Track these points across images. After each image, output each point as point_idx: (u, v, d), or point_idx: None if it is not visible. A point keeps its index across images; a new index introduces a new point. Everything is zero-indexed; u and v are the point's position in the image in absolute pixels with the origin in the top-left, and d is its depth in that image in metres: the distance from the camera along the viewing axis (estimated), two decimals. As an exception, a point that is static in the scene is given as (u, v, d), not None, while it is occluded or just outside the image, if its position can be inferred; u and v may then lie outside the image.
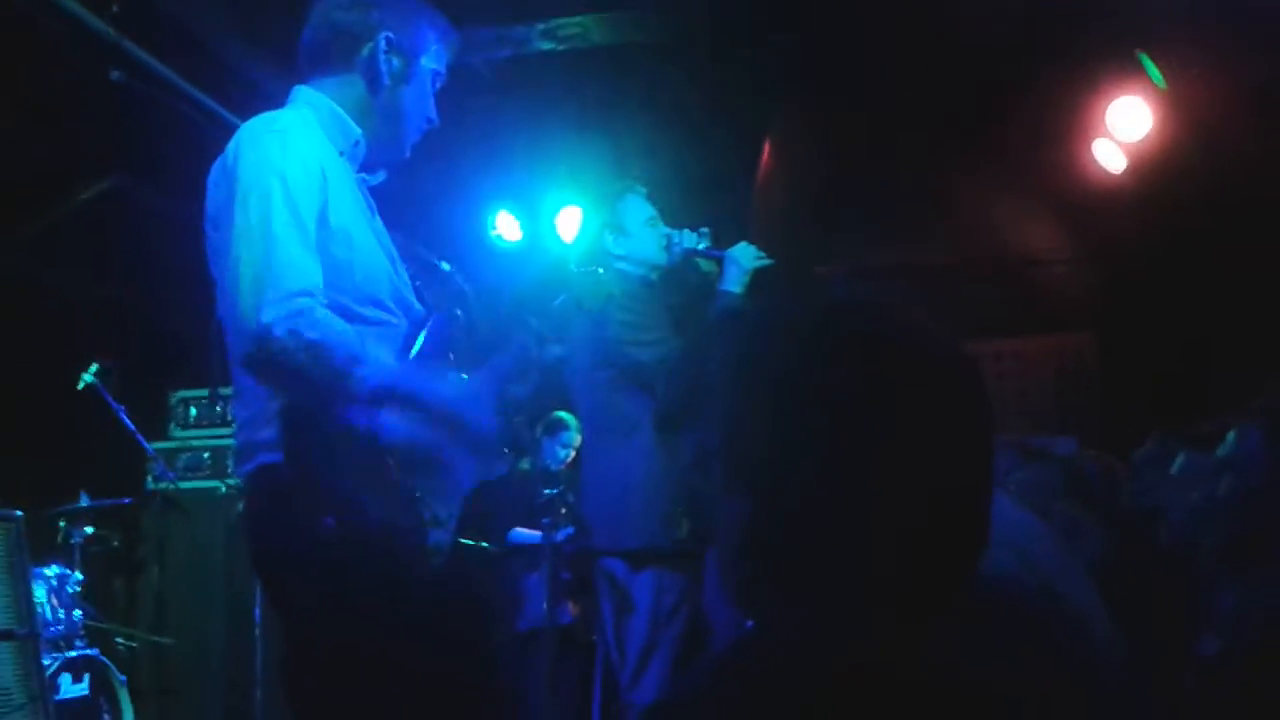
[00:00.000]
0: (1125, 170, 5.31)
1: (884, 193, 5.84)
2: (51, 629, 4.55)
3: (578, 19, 4.61)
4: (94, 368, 5.23)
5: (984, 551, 1.01)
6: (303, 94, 2.38)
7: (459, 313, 2.48)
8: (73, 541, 4.96)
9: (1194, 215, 5.30)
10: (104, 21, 4.10)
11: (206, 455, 6.09)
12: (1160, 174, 5.20)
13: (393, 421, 2.16)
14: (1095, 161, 5.36)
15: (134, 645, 5.48)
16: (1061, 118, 5.26)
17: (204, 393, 6.11)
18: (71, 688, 4.48)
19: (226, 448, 6.03)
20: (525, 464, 5.76)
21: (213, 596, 5.74)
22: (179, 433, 6.20)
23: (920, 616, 0.95)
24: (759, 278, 3.50)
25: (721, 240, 3.63)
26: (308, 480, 2.11)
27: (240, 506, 5.59)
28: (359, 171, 2.38)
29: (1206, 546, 2.70)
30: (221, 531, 5.79)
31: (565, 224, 5.64)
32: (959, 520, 0.99)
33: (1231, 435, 2.74)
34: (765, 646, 0.99)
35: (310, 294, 2.06)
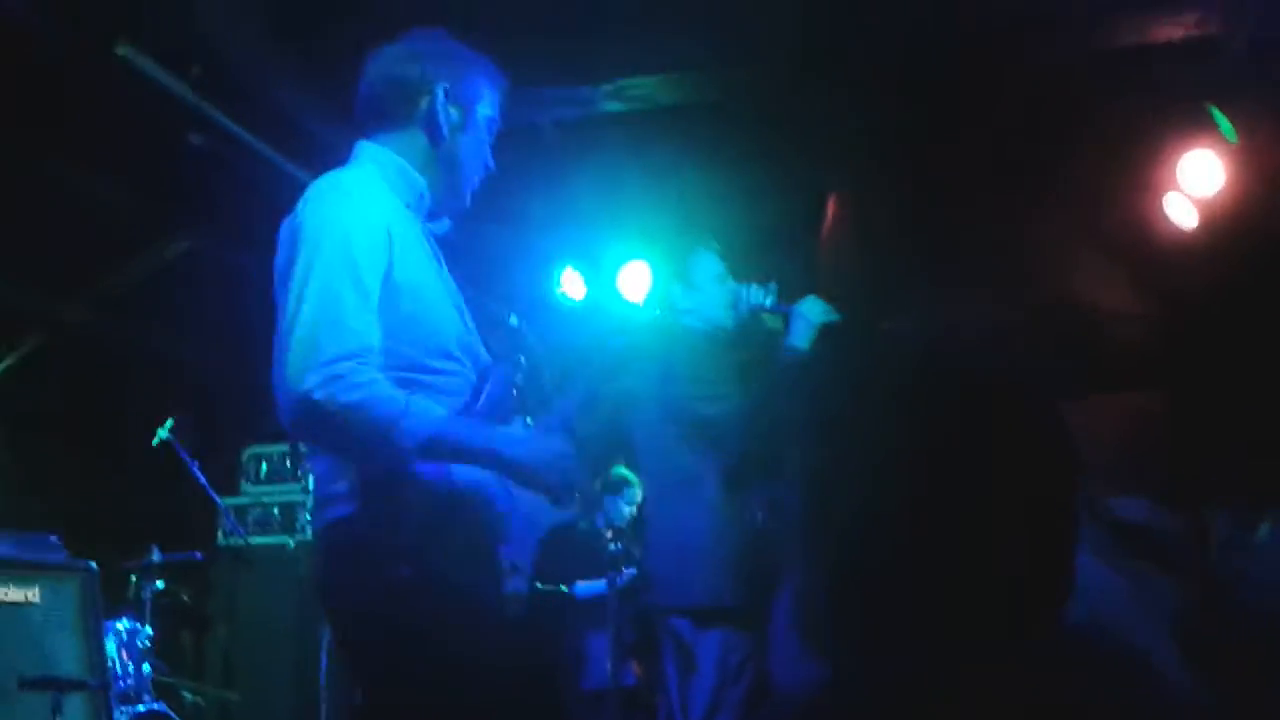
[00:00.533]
0: (1197, 225, 5.23)
1: (951, 247, 5.81)
2: (121, 682, 4.59)
3: (643, 80, 4.67)
4: (169, 423, 5.32)
5: (1069, 601, 0.99)
6: (366, 150, 2.42)
7: (524, 360, 2.50)
8: (143, 595, 5.02)
9: (1267, 271, 5.20)
10: (184, 85, 4.24)
11: (276, 511, 6.16)
12: (1233, 229, 5.12)
13: (463, 470, 2.18)
14: (1166, 216, 5.29)
15: (201, 700, 5.51)
16: (1131, 172, 5.22)
17: (276, 449, 6.20)
18: (140, 741, 4.52)
19: (296, 503, 6.11)
20: (586, 523, 5.76)
21: (279, 652, 5.77)
22: (250, 488, 6.28)
23: (1004, 665, 0.94)
24: (826, 333, 3.48)
25: (788, 295, 3.62)
26: (381, 531, 2.13)
27: (308, 562, 5.67)
28: (425, 221, 2.43)
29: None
30: (290, 587, 5.83)
31: (629, 281, 5.67)
32: (1046, 571, 0.98)
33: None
34: (848, 695, 0.98)
35: (354, 356, 2.09)
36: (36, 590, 3.91)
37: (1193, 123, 4.95)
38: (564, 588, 5.13)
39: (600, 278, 5.83)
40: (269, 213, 2.44)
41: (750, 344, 3.66)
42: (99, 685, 4.01)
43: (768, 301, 3.60)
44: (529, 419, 2.45)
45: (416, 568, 2.12)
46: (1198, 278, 5.56)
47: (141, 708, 4.59)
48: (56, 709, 3.66)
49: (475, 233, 2.61)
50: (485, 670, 2.17)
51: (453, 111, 2.42)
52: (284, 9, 4.29)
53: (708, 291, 3.64)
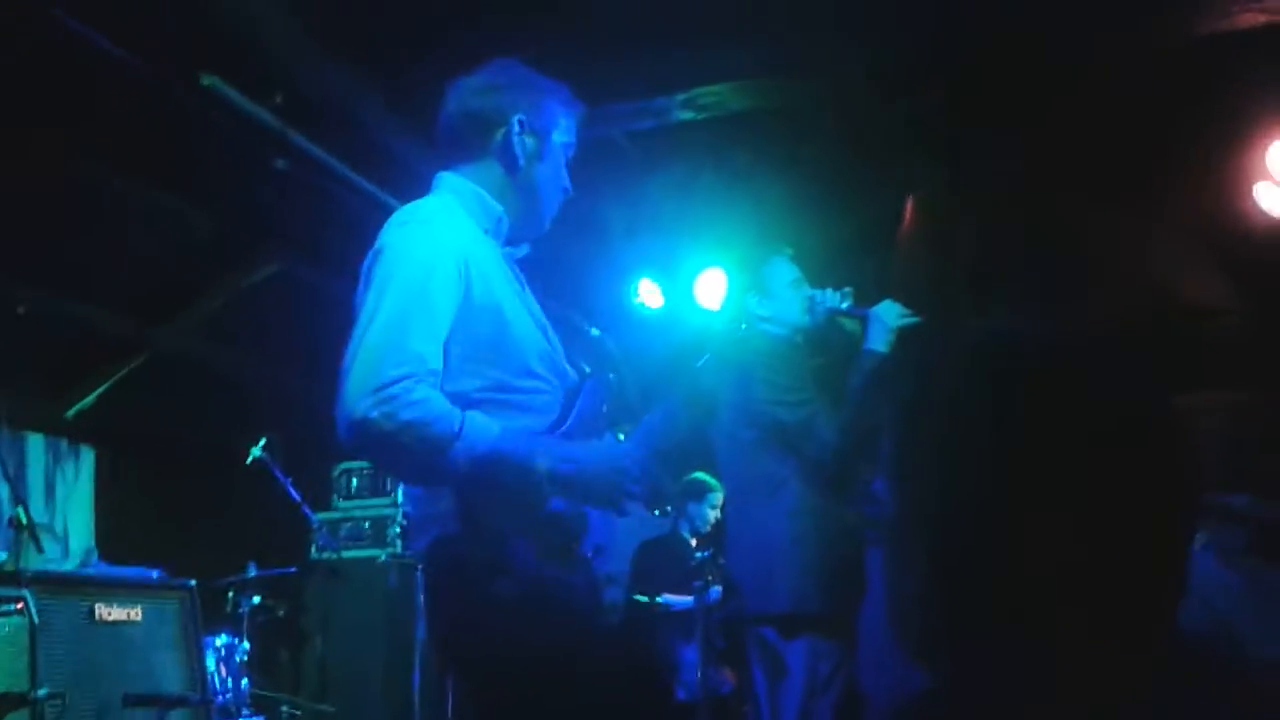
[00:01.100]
0: (1290, 214, 5.08)
1: (1034, 247, 5.71)
2: (220, 697, 4.70)
3: (716, 88, 4.67)
4: (262, 442, 5.44)
5: (1181, 603, 0.97)
6: (445, 180, 2.48)
7: (611, 376, 2.53)
8: (241, 611, 5.13)
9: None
10: (269, 112, 4.34)
11: (367, 525, 6.26)
12: (1329, 216, 4.97)
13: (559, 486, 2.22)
14: (1257, 206, 5.16)
15: (298, 713, 5.61)
16: (1219, 162, 5.09)
17: (365, 465, 6.31)
18: (240, 754, 4.63)
19: (387, 517, 6.21)
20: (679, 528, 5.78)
21: (373, 664, 5.86)
22: (341, 503, 6.40)
23: (1110, 668, 0.92)
24: (904, 336, 3.45)
25: (864, 301, 3.60)
26: (483, 546, 2.16)
27: (390, 578, 5.76)
28: (503, 246, 2.47)
29: None
30: (381, 599, 5.92)
31: (706, 289, 5.68)
32: (1158, 573, 0.96)
33: None
34: (948, 700, 0.97)
35: (411, 376, 2.11)
36: (139, 609, 4.03)
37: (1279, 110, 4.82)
38: (658, 598, 5.15)
39: (677, 287, 5.85)
40: (352, 234, 2.50)
41: (827, 348, 3.64)
42: (201, 701, 4.12)
43: (844, 305, 3.59)
44: (620, 434, 2.48)
45: (516, 580, 2.15)
46: (1292, 268, 5.41)
47: (241, 721, 4.70)
48: (160, 724, 3.76)
49: (553, 246, 2.64)
50: (590, 679, 2.21)
51: (528, 141, 2.46)
52: (368, 37, 4.37)
53: (784, 298, 3.64)
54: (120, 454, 6.22)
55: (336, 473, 6.45)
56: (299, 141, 4.46)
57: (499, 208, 2.45)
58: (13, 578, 3.69)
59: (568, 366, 2.44)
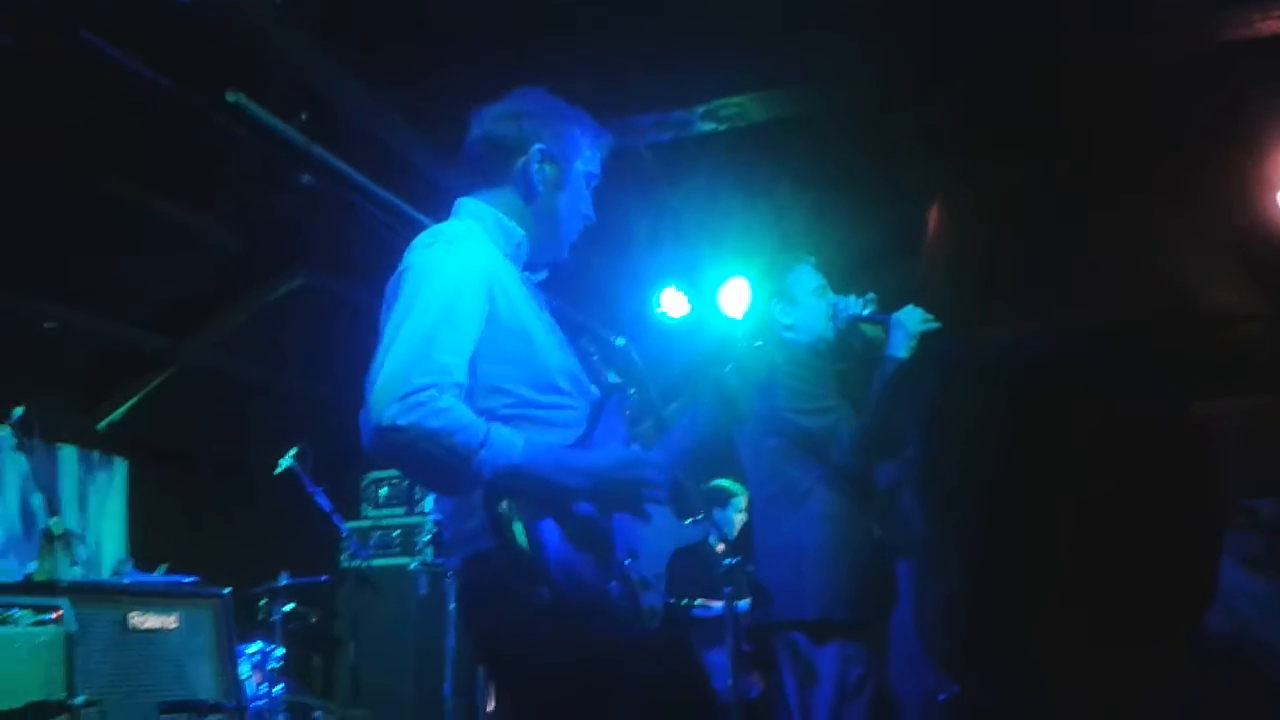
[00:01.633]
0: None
1: (1058, 250, 5.71)
2: (255, 703, 4.74)
3: (736, 99, 4.70)
4: (292, 451, 5.48)
5: (1208, 611, 0.97)
6: (466, 205, 2.53)
7: (633, 391, 2.57)
8: (273, 619, 5.18)
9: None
10: (294, 128, 4.39)
11: (396, 533, 6.32)
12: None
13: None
14: (1280, 211, 5.15)
15: (331, 718, 5.66)
16: (1242, 167, 5.08)
17: (394, 474, 6.36)
18: (274, 760, 4.68)
19: (416, 525, 6.25)
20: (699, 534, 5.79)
21: (404, 669, 5.91)
22: (371, 512, 6.46)
23: (1133, 680, 0.92)
24: (926, 341, 3.47)
25: (888, 308, 3.62)
26: (519, 557, 2.19)
27: (421, 585, 5.78)
28: (523, 270, 2.51)
29: None
30: (412, 607, 5.96)
31: (729, 298, 5.70)
32: (1185, 577, 0.95)
33: None
34: (976, 709, 0.97)
35: (436, 385, 2.15)
36: (175, 617, 4.08)
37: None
38: (694, 601, 5.16)
39: (701, 296, 5.87)
40: (376, 247, 2.55)
41: (850, 355, 3.66)
42: (235, 707, 4.17)
43: (866, 311, 3.60)
44: (644, 444, 2.52)
45: (554, 588, 2.18)
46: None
47: (275, 727, 4.75)
48: (197, 731, 3.81)
49: (578, 256, 2.68)
50: (632, 685, 2.24)
51: (548, 169, 2.50)
52: (391, 54, 4.42)
53: (807, 305, 3.65)
54: (151, 465, 6.29)
55: (365, 482, 6.51)
56: (323, 157, 4.51)
57: (520, 232, 2.49)
58: (49, 587, 3.75)
59: (590, 385, 2.49)
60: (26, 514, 5.48)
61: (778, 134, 4.96)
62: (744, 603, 4.29)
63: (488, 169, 2.52)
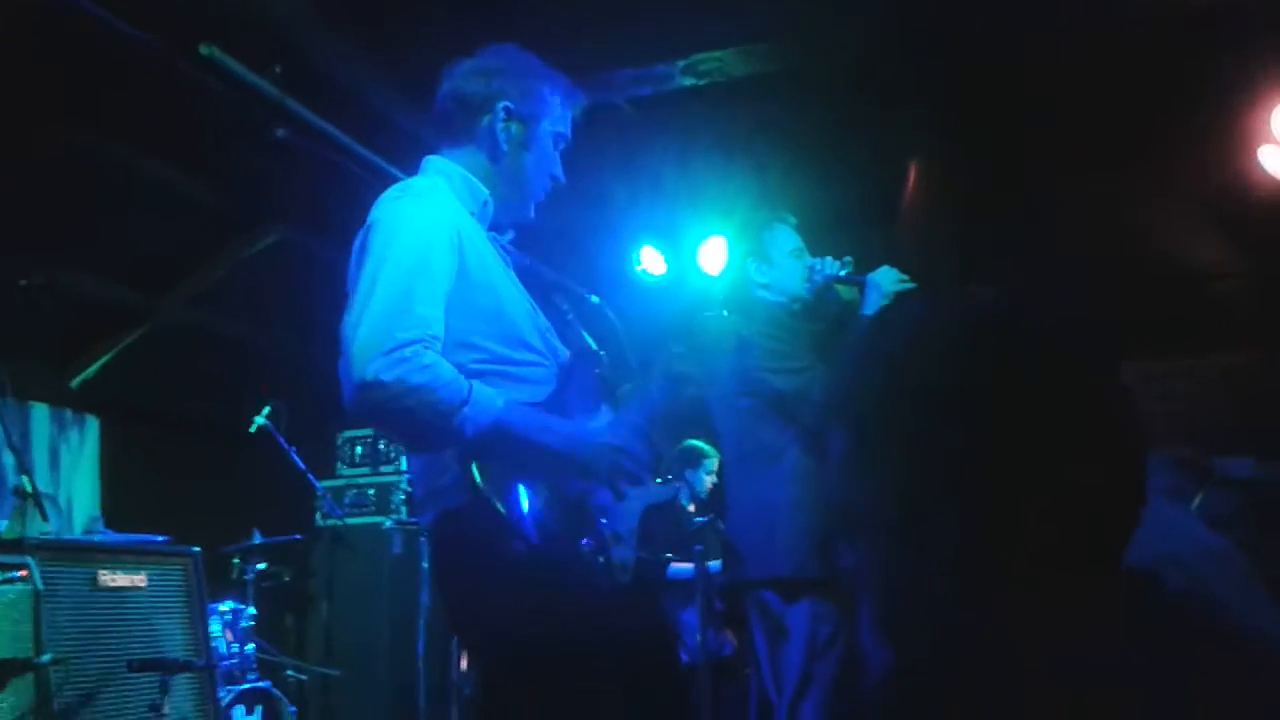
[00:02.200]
0: (1293, 177, 5.06)
1: (1037, 211, 5.70)
2: (226, 662, 4.74)
3: (717, 54, 4.65)
4: (266, 410, 5.46)
5: (1121, 558, 0.98)
6: (433, 163, 2.50)
7: (603, 354, 2.55)
8: (246, 577, 5.17)
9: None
10: (268, 81, 4.32)
11: (371, 492, 6.31)
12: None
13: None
14: (1261, 169, 5.14)
15: (304, 677, 5.67)
16: (1221, 125, 5.06)
17: (369, 432, 6.34)
18: (245, 719, 4.67)
19: (390, 484, 6.25)
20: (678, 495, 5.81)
21: (378, 629, 5.92)
22: (345, 471, 6.44)
23: (1069, 632, 0.93)
24: (899, 300, 3.45)
25: (867, 268, 3.60)
26: (493, 513, 2.17)
27: (395, 543, 5.78)
28: (489, 230, 2.48)
29: None
30: (386, 566, 5.97)
31: (708, 256, 5.67)
32: (1106, 529, 0.97)
33: None
34: (911, 674, 0.97)
35: (419, 341, 2.13)
36: (143, 575, 4.06)
37: (1283, 72, 4.79)
38: (668, 556, 5.18)
39: (680, 254, 5.85)
40: (353, 202, 2.51)
41: (825, 316, 3.64)
42: (205, 665, 4.16)
43: (842, 273, 3.59)
44: (615, 403, 2.50)
45: (528, 542, 2.17)
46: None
47: (246, 685, 4.74)
48: (164, 689, 3.79)
49: (555, 214, 2.64)
50: (605, 634, 2.23)
51: (514, 128, 2.47)
52: (366, 5, 4.35)
53: (784, 266, 3.63)
54: (124, 423, 6.24)
55: (340, 441, 6.49)
56: (299, 110, 4.45)
57: (485, 192, 2.47)
58: (16, 545, 3.71)
59: (561, 346, 2.47)
60: (-2, 471, 5.44)
61: (758, 90, 4.91)
62: (716, 563, 4.30)
63: (455, 126, 2.50)
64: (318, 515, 6.22)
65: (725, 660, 5.31)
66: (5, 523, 3.98)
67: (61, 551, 3.86)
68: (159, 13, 3.92)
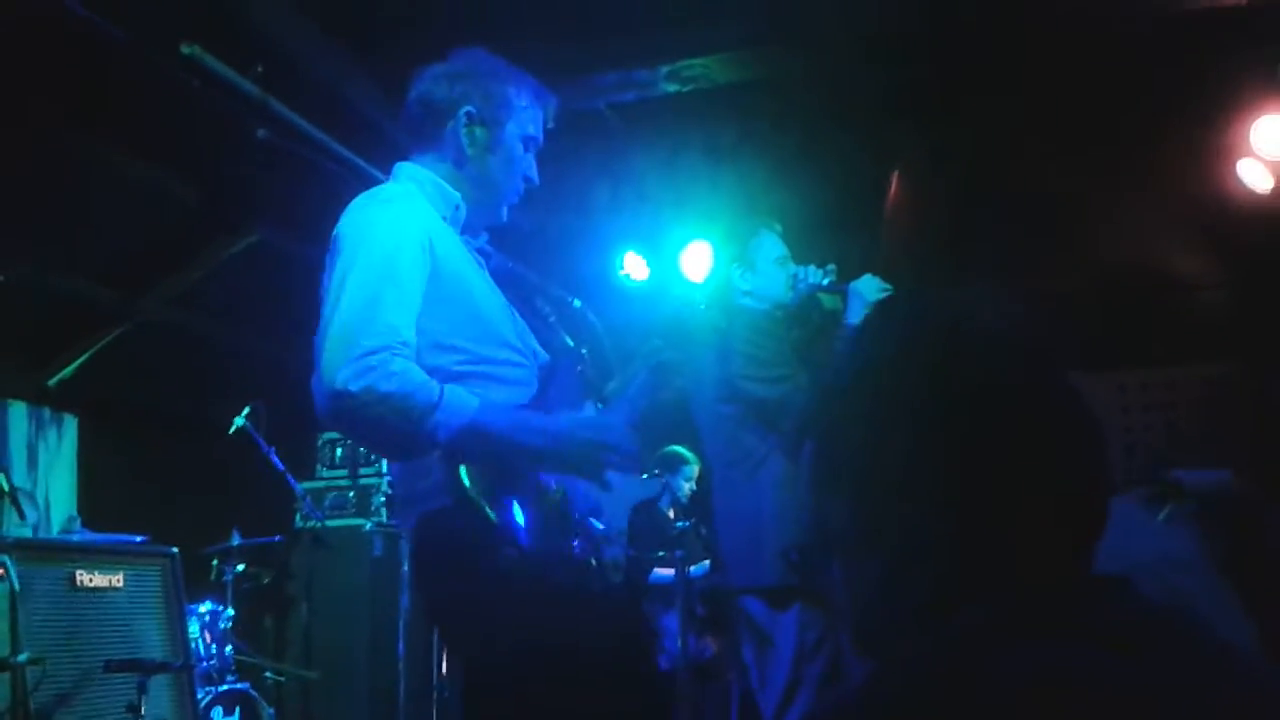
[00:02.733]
0: (1272, 189, 5.11)
1: (1020, 219, 5.73)
2: (204, 663, 4.73)
3: (701, 60, 4.66)
4: (245, 411, 5.44)
5: (1089, 565, 0.99)
6: (403, 169, 2.51)
7: (585, 352, 2.55)
8: (225, 579, 5.16)
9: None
10: (250, 81, 4.31)
11: (351, 494, 6.28)
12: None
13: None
14: (1241, 182, 5.18)
15: (282, 679, 5.64)
16: (1203, 137, 5.10)
17: (348, 435, 6.31)
18: (223, 720, 4.66)
19: (371, 487, 6.23)
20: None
21: (357, 631, 5.89)
22: (325, 473, 6.41)
23: (1039, 637, 0.93)
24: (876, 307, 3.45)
25: (850, 275, 3.61)
26: (480, 517, 2.16)
27: (375, 546, 5.76)
28: (461, 234, 2.48)
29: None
30: (366, 568, 5.95)
31: (691, 262, 5.68)
32: (1073, 531, 0.97)
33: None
34: (884, 684, 0.97)
35: (388, 348, 2.13)
36: (121, 576, 4.04)
37: (1265, 86, 4.83)
38: (656, 553, 5.18)
39: (663, 259, 5.85)
40: (334, 204, 2.50)
41: (808, 324, 3.65)
42: (182, 666, 4.14)
43: (825, 281, 3.59)
44: (598, 404, 2.50)
45: (517, 548, 2.16)
46: (1274, 242, 5.43)
47: (225, 687, 4.72)
48: (142, 690, 3.78)
49: (537, 218, 2.65)
50: (592, 640, 2.23)
51: (478, 132, 2.47)
52: (349, 6, 4.35)
53: (768, 273, 3.64)
54: (103, 422, 6.20)
55: (321, 442, 6.46)
56: (280, 111, 4.43)
57: (456, 196, 2.47)
58: (-8, 544, 3.70)
59: (539, 348, 2.47)
60: (-25, 471, 5.39)
61: (741, 96, 4.93)
62: (698, 567, 4.31)
63: (423, 131, 2.51)
64: (297, 517, 6.19)
65: (705, 664, 5.32)
66: (-19, 522, 3.96)
67: (38, 551, 3.84)
68: (140, 12, 3.90)
